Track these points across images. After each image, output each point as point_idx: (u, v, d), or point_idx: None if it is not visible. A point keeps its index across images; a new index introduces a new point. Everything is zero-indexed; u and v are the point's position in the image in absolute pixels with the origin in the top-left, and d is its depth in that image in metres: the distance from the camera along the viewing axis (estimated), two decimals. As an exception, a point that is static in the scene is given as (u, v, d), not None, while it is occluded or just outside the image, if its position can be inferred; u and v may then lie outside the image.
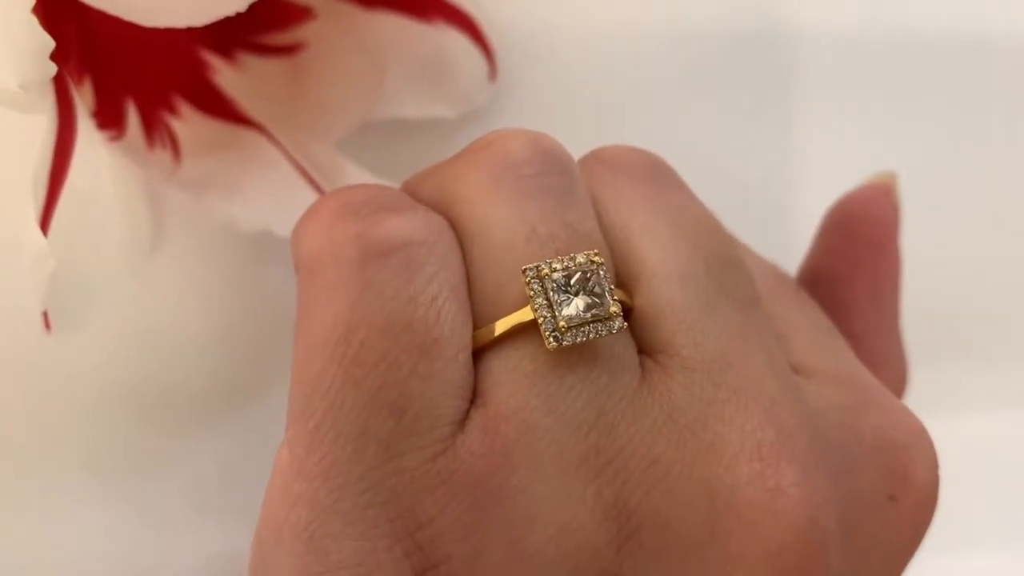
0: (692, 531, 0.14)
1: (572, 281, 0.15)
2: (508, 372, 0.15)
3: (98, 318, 0.19)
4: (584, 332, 0.15)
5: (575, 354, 0.15)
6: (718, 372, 0.15)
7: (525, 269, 0.15)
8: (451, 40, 0.23)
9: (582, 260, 0.15)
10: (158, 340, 0.23)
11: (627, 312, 0.16)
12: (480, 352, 0.15)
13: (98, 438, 0.23)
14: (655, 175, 0.18)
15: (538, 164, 0.16)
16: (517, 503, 0.14)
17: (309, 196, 0.22)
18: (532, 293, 0.15)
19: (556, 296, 0.15)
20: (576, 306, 0.15)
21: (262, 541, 0.15)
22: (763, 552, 0.14)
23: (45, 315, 0.18)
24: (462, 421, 0.15)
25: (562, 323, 0.15)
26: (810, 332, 0.18)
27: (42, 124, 0.18)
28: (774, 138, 0.26)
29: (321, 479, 0.14)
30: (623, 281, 0.16)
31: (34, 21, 0.16)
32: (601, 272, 0.15)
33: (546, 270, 0.15)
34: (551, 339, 0.15)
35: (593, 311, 0.15)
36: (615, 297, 0.15)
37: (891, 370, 0.20)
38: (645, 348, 0.16)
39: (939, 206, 0.27)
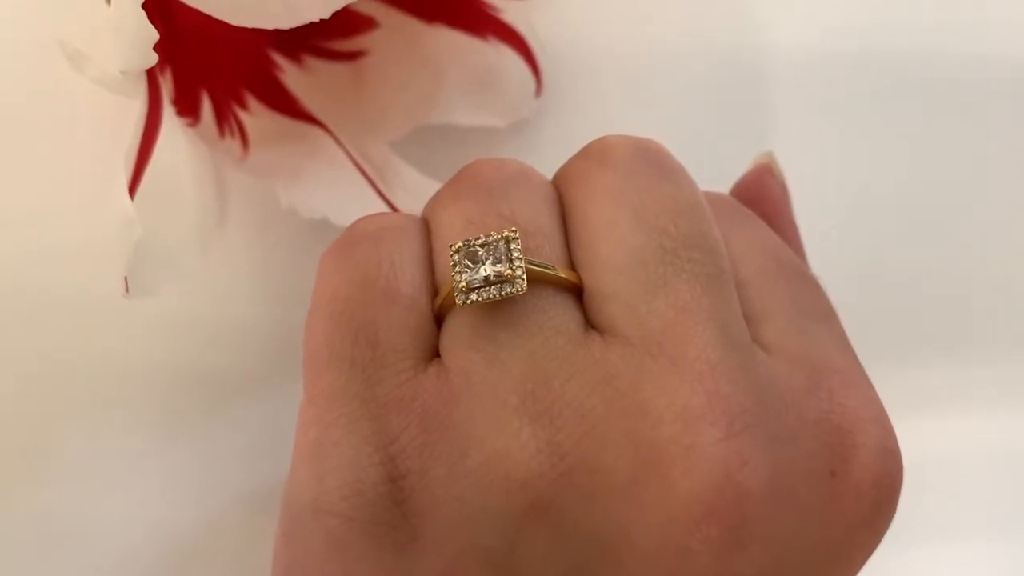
0: (617, 477, 0.16)
1: (483, 253, 0.17)
2: (453, 331, 0.18)
3: (167, 289, 0.20)
4: (487, 292, 0.17)
5: (506, 315, 0.17)
6: (658, 346, 0.17)
7: (450, 245, 0.18)
8: (503, 56, 0.25)
9: (496, 235, 0.17)
10: (214, 314, 0.25)
11: (578, 290, 0.18)
12: (441, 318, 0.18)
13: (152, 406, 0.25)
14: (630, 161, 0.19)
15: (487, 177, 0.19)
16: (459, 431, 0.17)
17: (364, 189, 0.24)
18: (452, 264, 0.17)
19: (468, 265, 0.17)
20: (482, 271, 0.17)
21: (291, 465, 0.18)
22: (677, 501, 0.16)
23: (126, 279, 0.19)
24: (425, 361, 0.17)
25: (462, 286, 0.17)
26: (790, 315, 0.19)
27: (134, 108, 0.19)
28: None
29: (325, 402, 0.17)
30: (577, 269, 0.18)
31: (142, 14, 0.18)
32: (511, 244, 0.17)
33: (459, 244, 0.17)
34: (460, 299, 0.17)
35: (495, 273, 0.17)
36: (519, 263, 0.17)
37: None
38: (594, 327, 0.18)
39: (928, 209, 0.28)
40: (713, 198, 0.20)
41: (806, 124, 0.28)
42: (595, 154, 0.19)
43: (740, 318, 0.18)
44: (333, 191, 0.23)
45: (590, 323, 0.18)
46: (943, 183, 0.29)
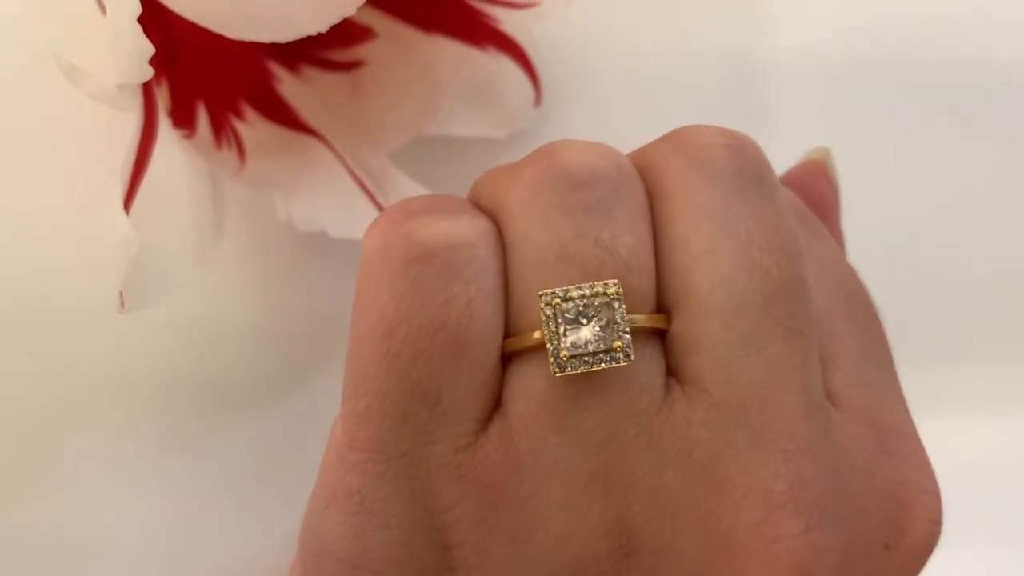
0: (686, 561, 0.15)
1: (584, 310, 0.15)
2: (526, 385, 0.16)
3: (163, 302, 0.20)
4: (587, 362, 0.15)
5: (591, 375, 0.16)
6: (744, 413, 0.15)
7: (541, 294, 0.15)
8: (502, 66, 0.25)
9: (599, 289, 0.15)
10: (212, 326, 0.25)
11: (662, 333, 0.16)
12: (510, 357, 0.16)
13: (152, 417, 0.25)
14: (738, 175, 0.17)
15: (578, 178, 0.16)
16: (523, 509, 0.15)
17: (362, 202, 0.23)
18: (544, 318, 0.15)
19: (564, 325, 0.15)
20: (583, 336, 0.15)
21: (315, 504, 0.16)
22: None
23: (121, 294, 0.19)
24: (487, 420, 0.16)
25: (564, 353, 0.15)
26: (858, 359, 0.18)
27: (130, 120, 0.19)
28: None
29: (371, 452, 0.16)
30: (667, 300, 0.16)
31: (138, 28, 0.17)
32: (615, 304, 0.15)
33: (559, 298, 0.15)
34: (555, 367, 0.15)
35: (598, 343, 0.15)
36: (626, 330, 0.15)
37: None
38: (675, 374, 0.16)
39: (927, 211, 0.28)
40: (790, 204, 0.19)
41: (806, 129, 0.28)
42: (691, 153, 0.17)
43: (819, 374, 0.17)
44: (330, 203, 0.23)
45: (671, 368, 0.16)
46: (943, 184, 0.29)
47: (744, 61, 0.28)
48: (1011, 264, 0.29)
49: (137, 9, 0.17)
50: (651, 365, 0.16)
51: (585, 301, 0.15)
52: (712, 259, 0.16)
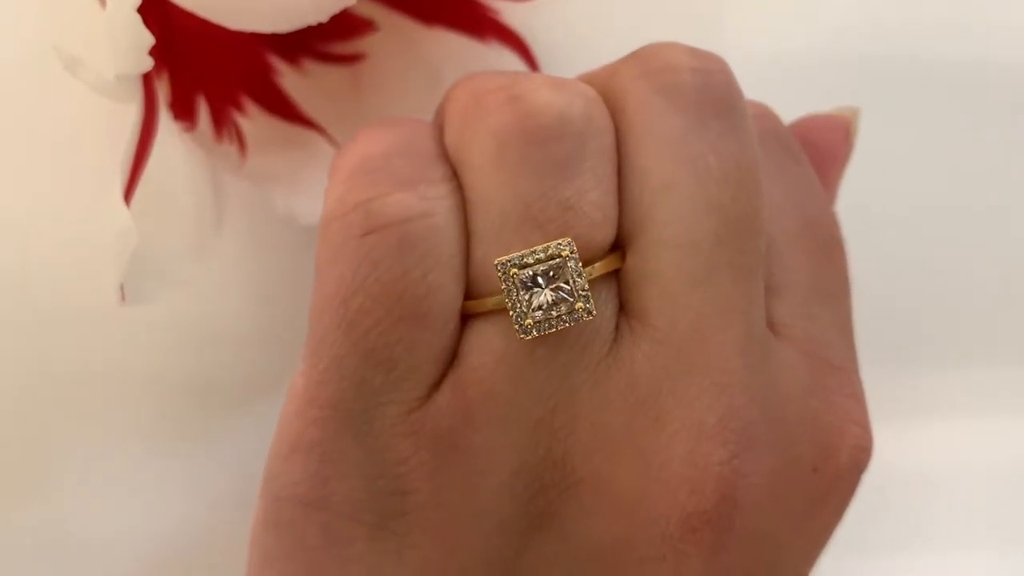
0: (624, 492, 0.16)
1: (542, 274, 0.16)
2: (481, 343, 0.16)
3: (163, 296, 0.20)
4: (550, 324, 0.16)
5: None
6: (685, 348, 0.16)
7: (497, 263, 0.16)
8: (503, 59, 0.25)
9: (554, 251, 0.16)
10: (212, 322, 0.25)
11: (616, 270, 0.17)
12: (468, 317, 0.17)
13: (151, 414, 0.25)
14: (703, 102, 0.17)
15: (546, 130, 0.16)
16: (474, 456, 0.16)
17: (364, 195, 0.23)
18: (504, 286, 0.16)
19: (524, 291, 0.16)
20: (544, 299, 0.16)
21: (276, 451, 0.17)
22: (678, 514, 0.16)
23: (121, 287, 0.19)
24: (440, 381, 0.17)
25: (528, 320, 0.16)
26: (807, 292, 0.18)
27: (130, 113, 0.19)
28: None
29: (331, 408, 0.16)
30: (623, 233, 0.17)
31: (138, 19, 0.17)
32: (571, 264, 0.16)
33: (515, 266, 0.16)
34: (520, 332, 0.16)
35: (560, 307, 0.16)
36: (585, 288, 0.16)
37: None
38: (625, 308, 0.17)
39: (908, 215, 0.28)
40: (763, 128, 0.19)
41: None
42: (657, 77, 0.17)
43: (763, 306, 0.17)
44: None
45: (622, 302, 0.17)
46: (942, 185, 0.29)
47: (745, 58, 0.28)
48: (1012, 265, 0.29)
49: (137, 0, 0.17)
50: (605, 307, 0.17)
51: (543, 266, 0.16)
52: (668, 194, 0.16)
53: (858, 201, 0.27)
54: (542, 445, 0.16)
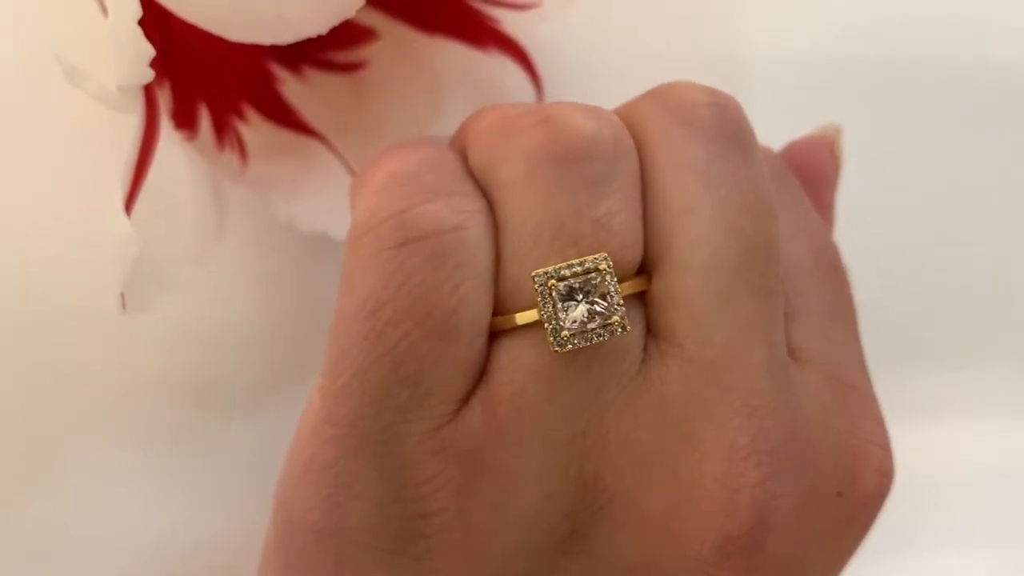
0: (655, 511, 0.16)
1: (578, 287, 0.16)
2: (512, 358, 0.16)
3: (164, 303, 0.20)
4: (585, 338, 0.16)
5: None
6: (714, 369, 0.16)
7: (535, 275, 0.16)
8: (503, 67, 0.25)
9: (591, 265, 0.16)
10: (213, 327, 0.25)
11: (642, 293, 0.17)
12: (496, 334, 0.16)
13: (153, 417, 0.25)
14: (720, 135, 0.17)
15: (578, 150, 0.16)
16: (504, 473, 0.16)
17: (364, 203, 0.24)
18: (540, 299, 0.16)
19: (561, 304, 0.16)
20: (580, 312, 0.16)
21: (289, 473, 0.17)
22: (712, 537, 0.16)
23: (123, 296, 0.19)
24: (468, 397, 0.16)
25: (564, 332, 0.16)
26: (821, 316, 0.19)
27: (130, 123, 0.19)
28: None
29: (349, 427, 0.16)
30: (648, 257, 0.17)
31: (139, 31, 0.17)
32: (608, 278, 0.16)
33: (553, 280, 0.16)
34: (555, 344, 0.16)
35: (596, 320, 0.16)
36: (620, 303, 0.16)
37: None
38: (653, 329, 0.17)
39: (901, 217, 0.28)
40: (771, 169, 0.19)
41: (805, 122, 0.28)
42: (677, 112, 0.17)
43: (783, 331, 0.17)
44: (332, 204, 0.23)
45: (650, 324, 0.17)
46: (941, 187, 0.29)
47: (747, 64, 0.28)
48: (1012, 265, 0.29)
49: (138, 12, 0.17)
50: (634, 328, 0.17)
51: (579, 279, 0.16)
52: (692, 217, 0.17)
53: (858, 201, 0.27)
54: (574, 465, 0.16)
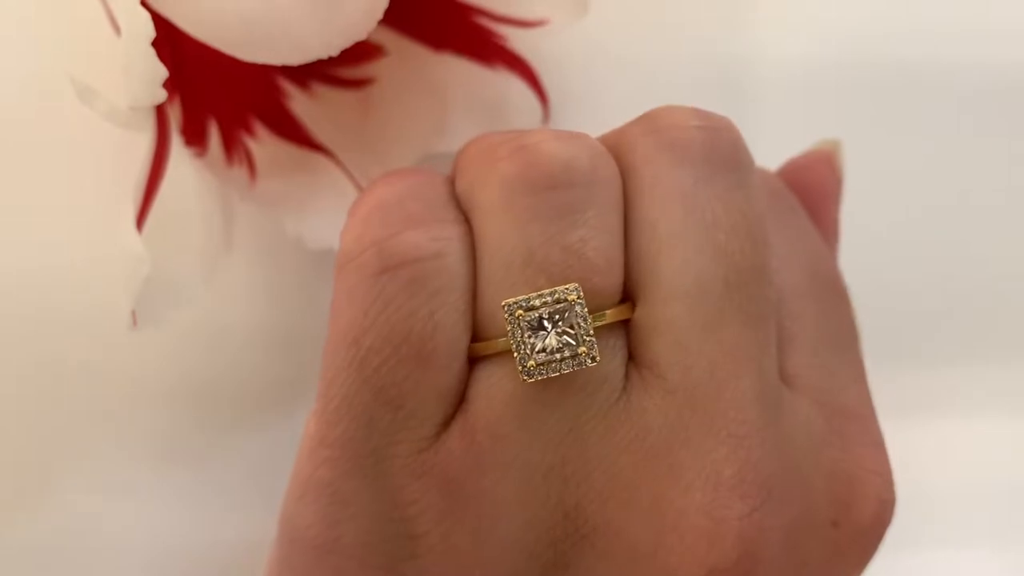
0: (639, 542, 0.16)
1: (548, 317, 0.16)
2: (490, 386, 0.16)
3: (172, 317, 0.21)
4: (554, 368, 0.16)
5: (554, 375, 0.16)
6: (698, 398, 0.16)
7: (504, 305, 0.16)
8: (511, 85, 0.25)
9: (561, 295, 0.16)
10: (220, 341, 0.25)
11: (626, 321, 0.17)
12: (476, 360, 0.17)
13: (160, 429, 0.25)
14: (709, 158, 0.17)
15: (552, 178, 0.16)
16: (484, 501, 0.16)
17: (371, 219, 0.24)
18: (510, 328, 0.16)
19: (530, 333, 0.16)
20: (549, 343, 0.16)
21: (291, 493, 0.17)
22: (697, 570, 0.16)
23: (133, 313, 0.19)
24: (450, 419, 0.16)
25: (531, 363, 0.16)
26: (816, 341, 0.18)
27: (141, 140, 0.20)
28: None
29: (340, 449, 0.16)
30: (631, 285, 0.17)
31: (151, 51, 0.18)
32: (578, 308, 0.16)
33: (521, 308, 0.16)
34: (523, 374, 0.16)
35: (564, 350, 0.16)
36: (589, 333, 0.16)
37: None
38: (637, 359, 0.17)
39: (901, 217, 0.28)
40: (769, 191, 0.19)
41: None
42: (664, 134, 0.17)
43: (775, 357, 0.17)
44: (339, 220, 0.23)
45: (632, 352, 0.17)
46: (939, 188, 0.29)
47: (753, 78, 0.28)
48: (1012, 265, 0.29)
49: (151, 33, 0.17)
50: (613, 356, 0.16)
51: (548, 308, 0.16)
52: (677, 244, 0.16)
53: (858, 202, 0.27)
54: (554, 494, 0.16)
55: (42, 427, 0.25)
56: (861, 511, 0.17)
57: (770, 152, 0.21)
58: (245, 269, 0.25)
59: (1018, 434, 0.29)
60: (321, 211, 0.24)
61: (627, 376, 0.17)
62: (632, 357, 0.17)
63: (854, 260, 0.22)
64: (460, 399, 0.17)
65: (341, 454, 0.16)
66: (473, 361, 0.17)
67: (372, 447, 0.16)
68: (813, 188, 0.21)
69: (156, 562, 0.25)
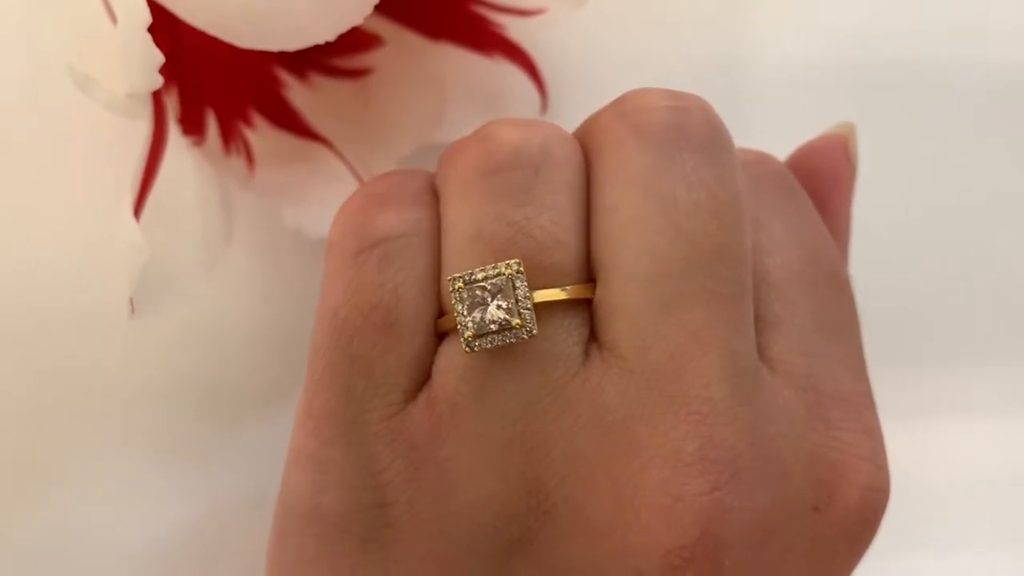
0: (598, 520, 0.16)
1: (489, 290, 0.16)
2: (449, 358, 0.17)
3: (171, 309, 0.21)
4: (490, 340, 0.16)
5: (506, 349, 0.17)
6: (657, 377, 0.16)
7: (449, 279, 0.17)
8: (508, 74, 0.25)
9: (500, 269, 0.16)
10: (219, 333, 0.25)
11: (589, 302, 0.17)
12: (443, 334, 0.17)
13: (159, 421, 0.25)
14: (675, 139, 0.17)
15: (500, 162, 0.17)
16: (445, 470, 0.17)
17: (370, 209, 0.24)
18: (454, 300, 0.17)
19: (470, 306, 0.17)
20: (489, 315, 0.16)
21: (286, 464, 0.18)
22: (657, 550, 0.16)
23: (132, 301, 0.19)
24: (417, 390, 0.17)
25: (468, 333, 0.17)
26: (806, 327, 0.18)
27: (138, 130, 0.20)
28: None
29: (323, 419, 0.17)
30: (594, 269, 0.17)
31: (148, 38, 0.18)
32: (516, 282, 0.16)
33: (462, 282, 0.17)
34: (464, 345, 0.17)
35: (501, 322, 0.16)
36: (527, 307, 0.16)
37: None
38: (597, 338, 0.17)
39: (900, 217, 0.28)
40: (762, 172, 0.19)
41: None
42: (631, 118, 0.17)
43: (751, 337, 0.17)
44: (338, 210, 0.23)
45: (594, 334, 0.17)
46: (939, 187, 0.29)
47: (752, 71, 0.28)
48: (1012, 265, 0.29)
49: (147, 19, 0.17)
50: (568, 335, 0.17)
51: (489, 282, 0.16)
52: (636, 227, 0.17)
53: (858, 202, 0.27)
54: (514, 468, 0.16)
55: (40, 425, 0.25)
56: (845, 497, 0.17)
57: (769, 151, 0.21)
58: (244, 260, 0.25)
59: (1018, 434, 0.29)
60: (320, 201, 0.24)
61: (588, 355, 0.17)
62: (595, 338, 0.17)
63: (854, 260, 0.22)
64: (429, 367, 0.17)
65: (324, 423, 0.17)
66: (441, 336, 0.17)
67: (350, 415, 0.17)
68: (825, 174, 0.21)
69: (156, 561, 0.25)
